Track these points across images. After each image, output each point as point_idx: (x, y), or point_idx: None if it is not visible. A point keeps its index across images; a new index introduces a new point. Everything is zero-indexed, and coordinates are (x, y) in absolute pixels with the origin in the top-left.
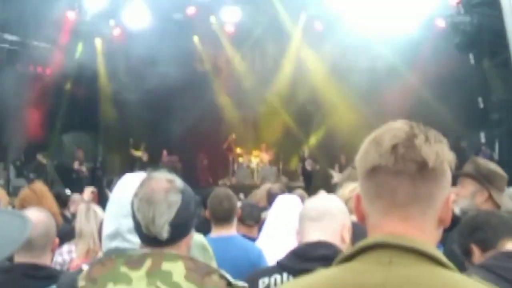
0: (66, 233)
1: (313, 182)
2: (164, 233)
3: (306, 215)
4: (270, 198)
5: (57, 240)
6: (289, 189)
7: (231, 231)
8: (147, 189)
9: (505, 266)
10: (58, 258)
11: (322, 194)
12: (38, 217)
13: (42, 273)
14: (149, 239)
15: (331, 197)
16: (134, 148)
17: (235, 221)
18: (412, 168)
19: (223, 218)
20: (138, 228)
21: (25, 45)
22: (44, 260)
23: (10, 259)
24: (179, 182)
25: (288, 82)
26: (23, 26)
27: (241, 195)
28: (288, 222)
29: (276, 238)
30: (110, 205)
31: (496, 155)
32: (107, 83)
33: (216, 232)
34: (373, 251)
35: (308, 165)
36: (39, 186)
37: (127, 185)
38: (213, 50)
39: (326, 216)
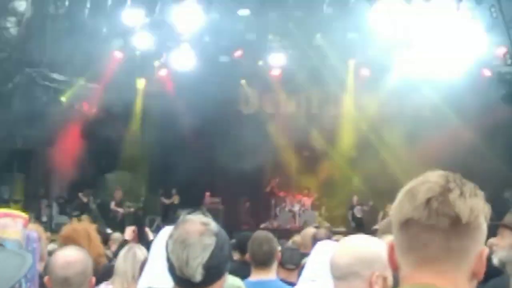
0: (106, 272)
1: (364, 230)
2: (198, 276)
3: (332, 272)
4: (316, 243)
5: (93, 279)
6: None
7: (271, 275)
8: (181, 231)
9: None
10: None
11: (350, 243)
12: (76, 256)
13: None
14: (183, 281)
15: (357, 247)
16: (164, 196)
17: (275, 265)
18: (445, 223)
19: (263, 262)
20: (171, 270)
21: (72, 84)
22: None
23: None
24: (213, 225)
25: (333, 126)
26: (71, 65)
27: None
28: (327, 268)
29: (315, 284)
30: (151, 255)
31: None
32: (151, 123)
33: (256, 276)
34: None
35: (358, 212)
36: (85, 226)
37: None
38: (260, 93)
39: (350, 276)
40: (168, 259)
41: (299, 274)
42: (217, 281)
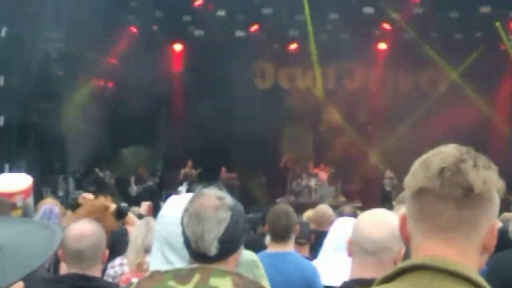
0: (121, 246)
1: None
2: (213, 250)
3: (362, 246)
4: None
5: (107, 252)
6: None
7: (288, 247)
8: (197, 205)
9: None
10: (110, 271)
11: (379, 217)
12: (88, 229)
13: (91, 284)
14: (198, 255)
15: (388, 222)
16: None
17: (292, 238)
18: (457, 193)
19: (281, 235)
20: (187, 243)
21: (88, 59)
22: (94, 271)
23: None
24: (229, 199)
25: (349, 102)
26: (87, 39)
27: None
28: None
29: (335, 259)
30: (156, 227)
31: None
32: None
33: (273, 248)
34: (413, 273)
35: (388, 186)
36: (102, 201)
37: (170, 206)
38: (276, 68)
39: (383, 251)
40: (184, 233)
41: (310, 249)
42: (233, 255)
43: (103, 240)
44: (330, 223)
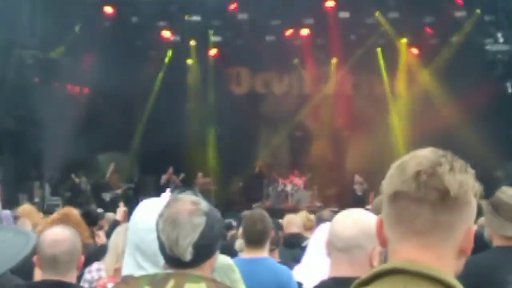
0: (99, 252)
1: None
2: (188, 255)
3: (334, 244)
4: (320, 223)
5: (82, 258)
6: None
7: (263, 253)
8: (172, 210)
9: None
10: (87, 276)
11: (353, 216)
12: (63, 234)
13: None
14: (173, 260)
15: (361, 220)
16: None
17: (267, 244)
18: (433, 196)
19: (256, 240)
20: (162, 248)
21: (63, 64)
22: (69, 277)
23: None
24: (204, 205)
25: (325, 107)
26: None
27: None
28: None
29: (316, 264)
30: (129, 234)
31: None
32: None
33: (248, 253)
34: (389, 277)
35: (358, 191)
36: (71, 212)
37: (141, 211)
38: (252, 73)
39: (354, 248)
40: (159, 238)
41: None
42: (208, 260)
43: (79, 245)
44: (297, 226)
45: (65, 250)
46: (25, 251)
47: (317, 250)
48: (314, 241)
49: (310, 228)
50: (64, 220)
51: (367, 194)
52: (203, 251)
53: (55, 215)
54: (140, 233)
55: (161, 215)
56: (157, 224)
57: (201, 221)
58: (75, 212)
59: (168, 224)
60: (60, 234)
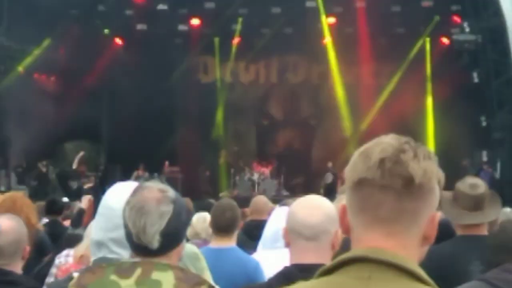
0: (69, 240)
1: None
2: (155, 243)
3: (300, 233)
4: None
5: (28, 248)
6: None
7: (231, 242)
8: (139, 198)
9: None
10: (56, 261)
11: (313, 202)
12: (8, 224)
13: (7, 278)
14: (140, 248)
15: (324, 205)
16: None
17: (236, 233)
18: (398, 183)
19: (224, 229)
20: (129, 236)
21: (29, 52)
22: (14, 267)
23: None
24: (171, 192)
25: (292, 96)
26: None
27: None
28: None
29: (275, 251)
30: (97, 215)
31: (497, 174)
32: (109, 92)
33: (216, 243)
34: (353, 265)
35: (328, 179)
36: (18, 196)
37: (115, 196)
38: (219, 62)
39: (322, 234)
40: (126, 226)
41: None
42: (175, 248)
43: (24, 235)
44: (268, 212)
45: (10, 240)
46: None
47: (272, 237)
48: (269, 227)
49: None
50: (10, 207)
51: (335, 182)
52: (171, 239)
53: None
54: (115, 219)
55: (127, 203)
56: (124, 212)
57: (168, 209)
58: (21, 197)
59: (135, 212)
60: (4, 224)
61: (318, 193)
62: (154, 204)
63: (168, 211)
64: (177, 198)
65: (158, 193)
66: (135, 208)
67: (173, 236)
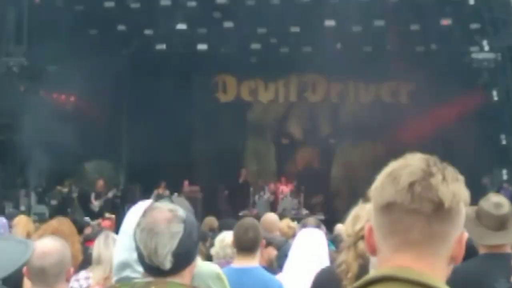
0: (83, 260)
1: None
2: (167, 263)
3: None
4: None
5: (72, 270)
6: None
7: (254, 262)
8: (149, 219)
9: None
10: (74, 284)
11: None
12: (52, 246)
13: None
14: (152, 269)
15: None
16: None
17: (258, 252)
18: (428, 208)
19: (247, 248)
20: (141, 258)
21: (48, 72)
22: None
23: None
24: (181, 212)
25: (312, 115)
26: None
27: None
28: (313, 256)
29: (301, 272)
30: (121, 235)
31: None
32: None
33: (239, 262)
34: (381, 284)
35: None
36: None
37: (138, 215)
38: (238, 81)
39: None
40: (137, 248)
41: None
42: (187, 267)
43: (68, 257)
44: (276, 230)
45: (54, 262)
46: (24, 258)
47: (300, 257)
48: (296, 248)
49: (290, 236)
50: (57, 232)
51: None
52: (183, 258)
53: (47, 226)
54: None
55: (138, 225)
56: (135, 234)
57: (179, 229)
58: (68, 223)
59: (146, 233)
60: (49, 246)
61: (337, 212)
62: (165, 224)
63: (179, 231)
64: (187, 217)
65: (168, 213)
66: (146, 229)
67: (185, 255)
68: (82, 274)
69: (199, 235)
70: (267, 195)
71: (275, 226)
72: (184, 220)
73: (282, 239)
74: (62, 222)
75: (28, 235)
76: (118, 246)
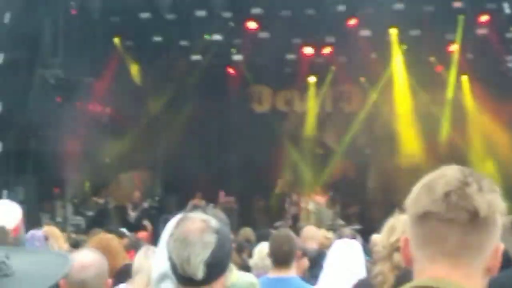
0: (122, 273)
1: None
2: (200, 273)
3: None
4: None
5: (110, 282)
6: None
7: (290, 272)
8: (182, 229)
9: None
10: None
11: None
12: (91, 259)
13: None
14: (185, 279)
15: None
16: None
17: (294, 263)
18: (464, 217)
19: (283, 260)
20: (174, 268)
21: (84, 84)
22: None
23: None
24: (214, 222)
25: (347, 124)
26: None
27: None
28: (348, 266)
29: (337, 282)
30: (160, 246)
31: None
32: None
33: (275, 273)
34: None
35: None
36: (107, 237)
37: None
38: (273, 91)
39: None
40: (170, 258)
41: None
42: (219, 278)
43: (105, 269)
44: (316, 241)
45: (93, 274)
46: (63, 271)
47: (335, 268)
48: (332, 259)
49: (326, 246)
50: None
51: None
52: (215, 269)
53: (93, 243)
54: None
55: (171, 235)
56: (168, 244)
57: (212, 239)
58: (111, 238)
59: (179, 243)
60: (88, 258)
61: (374, 222)
62: (198, 234)
63: (212, 241)
64: (220, 228)
65: (201, 223)
66: (179, 239)
67: (217, 266)
68: (122, 287)
69: (233, 246)
70: (302, 206)
71: (314, 238)
72: (217, 231)
73: (316, 250)
74: (111, 238)
75: (59, 248)
76: (158, 258)
